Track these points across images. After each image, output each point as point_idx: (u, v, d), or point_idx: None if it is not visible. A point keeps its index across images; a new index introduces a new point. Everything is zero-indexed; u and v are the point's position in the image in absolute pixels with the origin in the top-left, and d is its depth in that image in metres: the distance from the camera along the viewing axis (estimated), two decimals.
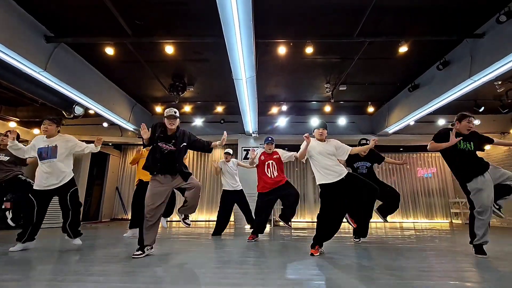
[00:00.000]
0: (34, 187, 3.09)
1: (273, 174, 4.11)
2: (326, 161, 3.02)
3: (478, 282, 2.01)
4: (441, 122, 7.22)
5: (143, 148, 4.75)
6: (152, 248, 2.89)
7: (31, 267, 2.40)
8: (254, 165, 4.33)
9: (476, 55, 4.20)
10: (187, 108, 7.21)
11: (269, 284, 1.91)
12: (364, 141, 4.17)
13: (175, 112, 2.99)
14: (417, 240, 4.45)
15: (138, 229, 3.96)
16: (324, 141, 3.18)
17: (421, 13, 3.86)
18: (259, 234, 4.25)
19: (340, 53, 4.83)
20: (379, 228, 6.54)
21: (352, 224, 3.33)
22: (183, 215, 3.20)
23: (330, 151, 3.07)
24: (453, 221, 8.96)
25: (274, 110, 7.24)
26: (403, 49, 4.34)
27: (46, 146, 3.13)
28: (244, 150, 7.80)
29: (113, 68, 5.34)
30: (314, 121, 7.36)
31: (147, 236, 2.81)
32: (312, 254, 2.85)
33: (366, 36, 4.14)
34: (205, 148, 3.18)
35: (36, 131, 7.26)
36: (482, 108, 6.29)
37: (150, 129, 3.02)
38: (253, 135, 7.65)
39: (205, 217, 8.71)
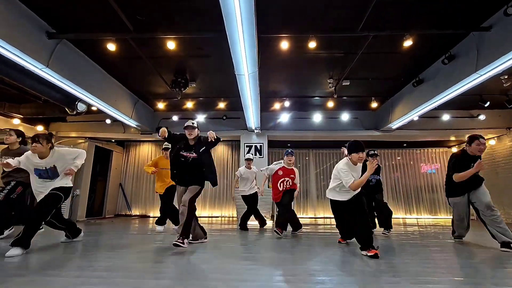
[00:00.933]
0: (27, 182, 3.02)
1: (285, 188, 4.45)
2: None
3: (483, 277, 1.99)
4: (446, 117, 7.14)
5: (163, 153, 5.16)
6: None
7: (35, 262, 2.42)
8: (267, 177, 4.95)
9: (482, 48, 4.12)
10: (189, 104, 7.20)
11: (269, 279, 1.91)
12: (372, 152, 4.51)
13: (192, 123, 3.25)
14: (420, 236, 4.43)
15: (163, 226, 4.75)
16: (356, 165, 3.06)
17: (426, 6, 3.78)
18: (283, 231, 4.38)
19: (343, 47, 4.77)
20: None
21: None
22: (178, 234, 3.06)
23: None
24: None
25: (276, 106, 7.20)
26: (407, 43, 4.26)
27: (44, 168, 2.91)
28: (247, 146, 7.79)
29: (115, 64, 5.33)
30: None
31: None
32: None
33: (370, 30, 4.07)
34: (217, 141, 3.32)
35: (39, 127, 7.30)
36: (488, 103, 6.20)
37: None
38: (255, 131, 7.63)
39: (208, 213, 8.74)
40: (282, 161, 4.67)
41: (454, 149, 9.39)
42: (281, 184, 4.43)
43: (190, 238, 3.26)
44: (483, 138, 3.23)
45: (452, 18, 3.99)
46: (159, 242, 3.61)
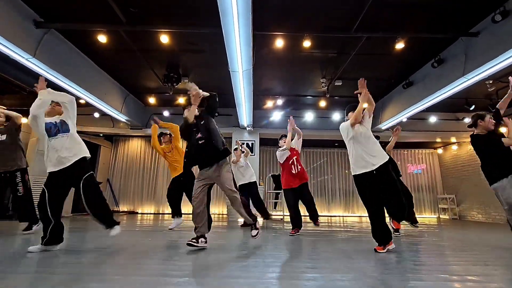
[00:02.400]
0: (47, 170, 2.63)
1: (296, 169, 4.16)
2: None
3: (479, 275, 2.07)
4: (433, 119, 7.34)
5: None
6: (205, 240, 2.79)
7: (28, 261, 2.35)
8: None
9: (470, 53, 4.26)
10: (181, 100, 7.11)
11: (262, 276, 1.92)
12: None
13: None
14: (406, 234, 4.55)
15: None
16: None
17: (418, 10, 3.87)
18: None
19: (337, 47, 4.82)
20: (364, 223, 6.68)
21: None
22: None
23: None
24: (441, 216, 9.22)
25: (269, 104, 7.21)
26: (399, 45, 4.36)
27: (55, 122, 2.72)
28: None
29: (106, 57, 5.19)
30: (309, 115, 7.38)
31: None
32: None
33: (364, 31, 4.13)
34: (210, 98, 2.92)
35: (24, 120, 7.03)
36: (473, 107, 6.42)
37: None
38: (247, 128, 7.62)
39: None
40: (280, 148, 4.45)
41: (440, 151, 9.68)
42: (292, 165, 4.16)
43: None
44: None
45: (442, 23, 4.10)
46: (148, 238, 3.56)
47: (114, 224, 2.73)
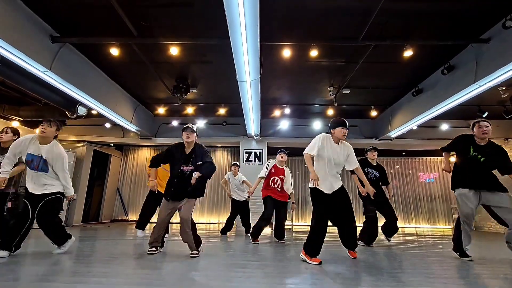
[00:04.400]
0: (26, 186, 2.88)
1: (277, 187, 4.35)
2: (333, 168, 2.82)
3: None
4: (444, 127, 7.19)
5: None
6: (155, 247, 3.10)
7: (29, 269, 2.37)
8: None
9: (481, 60, 4.19)
10: (190, 110, 7.21)
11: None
12: (370, 147, 4.37)
13: (192, 126, 3.08)
14: (420, 245, 4.41)
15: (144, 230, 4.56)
16: (338, 143, 2.88)
17: (427, 18, 3.85)
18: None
19: (344, 56, 4.82)
20: (381, 233, 6.50)
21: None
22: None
23: (341, 159, 2.85)
24: None
25: (276, 113, 7.23)
26: (408, 53, 4.33)
27: (39, 155, 2.84)
28: (246, 152, 7.78)
29: (117, 69, 5.35)
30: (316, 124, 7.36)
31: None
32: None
33: (371, 39, 4.14)
34: (206, 176, 3.01)
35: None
36: (486, 114, 6.27)
37: (164, 152, 3.16)
38: (255, 137, 7.63)
39: (205, 219, 8.66)
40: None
41: (452, 159, 9.42)
42: (273, 182, 4.32)
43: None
44: (485, 120, 3.00)
45: (452, 29, 4.06)
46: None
47: (64, 242, 2.91)
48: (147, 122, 7.49)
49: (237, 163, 5.59)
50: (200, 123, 7.66)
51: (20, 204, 3.69)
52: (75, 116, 5.93)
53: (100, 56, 4.82)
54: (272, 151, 8.75)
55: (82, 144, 7.66)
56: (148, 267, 2.44)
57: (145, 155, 9.37)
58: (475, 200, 2.93)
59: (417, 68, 5.15)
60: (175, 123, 7.54)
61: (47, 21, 3.96)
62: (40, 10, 3.76)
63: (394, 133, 6.99)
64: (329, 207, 2.76)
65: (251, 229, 4.53)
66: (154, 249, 3.07)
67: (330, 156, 2.79)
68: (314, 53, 4.33)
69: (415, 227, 8.74)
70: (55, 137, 3.04)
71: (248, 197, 5.16)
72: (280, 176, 4.34)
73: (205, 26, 4.03)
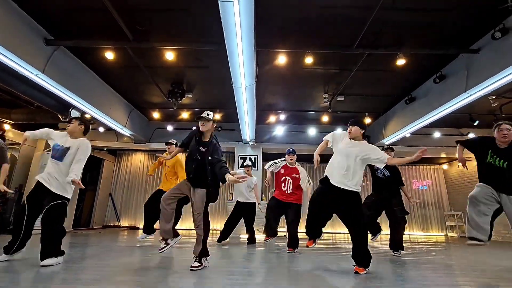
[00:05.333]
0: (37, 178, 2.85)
1: (288, 189, 4.11)
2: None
3: None
4: (437, 134, 7.30)
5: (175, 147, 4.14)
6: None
7: (24, 275, 2.30)
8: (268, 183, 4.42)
9: (471, 69, 4.29)
10: (185, 115, 7.18)
11: None
12: (386, 147, 4.31)
13: (208, 114, 2.80)
14: (413, 252, 4.41)
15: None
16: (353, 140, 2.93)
17: (419, 27, 3.94)
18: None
19: (339, 64, 4.89)
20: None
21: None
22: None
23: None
24: (448, 234, 8.95)
25: (272, 119, 7.25)
26: (400, 61, 4.40)
27: (62, 145, 2.88)
28: (241, 158, 7.76)
29: (112, 73, 5.32)
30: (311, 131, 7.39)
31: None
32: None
33: (365, 48, 4.20)
34: (218, 176, 2.66)
35: (27, 133, 7.12)
36: (477, 122, 6.39)
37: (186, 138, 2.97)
38: (250, 143, 7.63)
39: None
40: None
41: (445, 166, 9.56)
42: (283, 183, 4.10)
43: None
44: (507, 123, 2.83)
45: (443, 39, 4.16)
46: (145, 255, 3.49)
47: (53, 255, 2.65)
48: (141, 127, 7.44)
49: (249, 163, 5.41)
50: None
51: (8, 209, 3.61)
52: (68, 119, 5.85)
53: (94, 59, 4.79)
54: (267, 157, 8.74)
55: None
56: (140, 274, 2.39)
57: (138, 159, 9.28)
58: (495, 195, 2.76)
59: (409, 76, 5.24)
60: (170, 128, 7.50)
61: (42, 24, 3.93)
62: (35, 12, 3.73)
63: (387, 140, 7.06)
64: (327, 201, 2.79)
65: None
66: (164, 245, 2.79)
67: (342, 150, 2.90)
68: (309, 60, 4.38)
69: (409, 234, 8.77)
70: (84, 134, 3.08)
71: (259, 203, 5.10)
72: (293, 175, 4.13)
73: (201, 31, 4.05)
